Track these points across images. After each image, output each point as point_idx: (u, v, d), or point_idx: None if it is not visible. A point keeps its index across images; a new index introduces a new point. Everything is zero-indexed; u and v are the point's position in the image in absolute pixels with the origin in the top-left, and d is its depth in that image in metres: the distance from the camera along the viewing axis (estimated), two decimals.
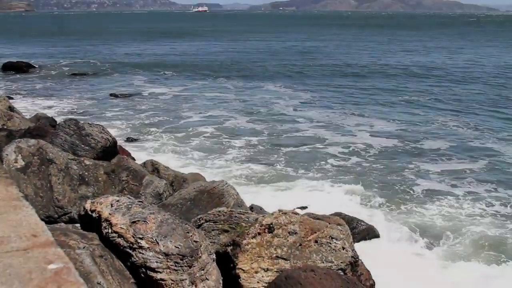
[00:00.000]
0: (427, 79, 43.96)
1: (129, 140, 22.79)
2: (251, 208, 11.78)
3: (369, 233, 12.58)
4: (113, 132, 18.40)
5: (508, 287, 11.40)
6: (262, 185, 17.79)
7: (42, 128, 13.18)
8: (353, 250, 7.91)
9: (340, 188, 17.55)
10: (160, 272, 6.28)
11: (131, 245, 6.34)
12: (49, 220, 9.10)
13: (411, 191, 17.46)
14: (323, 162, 20.61)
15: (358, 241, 11.98)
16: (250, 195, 15.33)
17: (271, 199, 15.67)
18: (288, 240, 7.45)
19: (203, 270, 6.43)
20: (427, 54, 66.68)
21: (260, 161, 20.62)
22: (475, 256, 12.83)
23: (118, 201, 6.79)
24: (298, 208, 13.87)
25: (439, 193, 17.33)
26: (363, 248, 11.79)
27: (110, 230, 6.45)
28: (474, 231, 14.19)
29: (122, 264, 6.36)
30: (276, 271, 7.18)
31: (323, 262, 7.36)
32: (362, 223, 12.94)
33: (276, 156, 21.42)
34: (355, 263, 8.01)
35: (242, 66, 52.93)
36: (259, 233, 7.46)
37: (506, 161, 21.10)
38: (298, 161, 20.66)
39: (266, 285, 6.92)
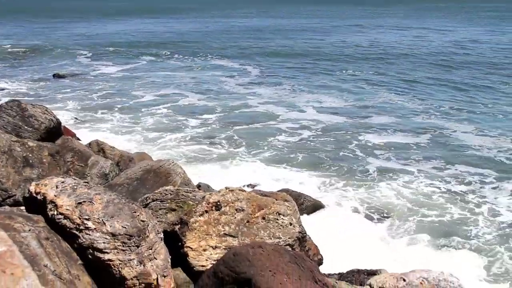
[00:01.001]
0: (373, 56, 44.56)
1: (77, 121, 22.42)
2: (199, 186, 11.78)
3: (316, 208, 12.73)
4: (62, 113, 18.13)
5: (450, 263, 11.69)
6: (212, 163, 17.84)
7: None
8: (300, 225, 8.00)
9: (289, 165, 17.72)
10: (108, 253, 6.24)
11: (77, 226, 6.27)
12: None
13: (360, 167, 17.77)
14: (273, 139, 20.78)
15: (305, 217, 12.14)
16: (199, 174, 15.35)
17: (220, 177, 15.72)
18: (235, 217, 7.49)
19: (151, 249, 6.42)
20: (374, 30, 67.32)
21: (211, 139, 20.67)
22: (420, 230, 13.15)
23: (63, 182, 6.70)
24: (247, 185, 13.95)
25: (387, 168, 17.70)
26: (311, 223, 11.98)
27: (55, 212, 6.37)
28: (420, 206, 14.55)
29: (69, 246, 6.29)
30: (224, 249, 7.21)
31: (271, 238, 7.42)
32: (309, 199, 13.09)
33: (227, 134, 21.50)
34: (302, 238, 8.10)
35: (193, 44, 52.55)
36: (206, 211, 7.48)
37: (450, 135, 21.66)
38: (249, 139, 20.77)
39: (214, 262, 6.95)
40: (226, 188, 7.87)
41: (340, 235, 12.23)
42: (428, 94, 29.78)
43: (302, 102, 27.79)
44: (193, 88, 31.03)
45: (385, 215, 13.93)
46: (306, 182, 16.00)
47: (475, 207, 14.72)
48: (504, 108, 26.64)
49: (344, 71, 37.29)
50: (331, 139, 20.93)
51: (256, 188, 13.26)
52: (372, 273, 8.88)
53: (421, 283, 4.77)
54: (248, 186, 14.16)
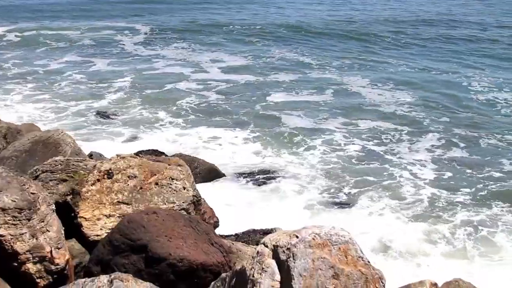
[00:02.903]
0: (264, 13, 45.25)
1: None
2: (91, 155, 11.56)
3: (211, 173, 12.78)
4: None
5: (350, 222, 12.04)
6: (111, 130, 17.28)
7: None
8: (194, 189, 8.07)
9: (201, 127, 17.53)
10: None
11: None
12: None
13: (261, 125, 17.87)
14: (183, 102, 20.48)
15: (201, 181, 12.15)
16: (94, 144, 15.00)
17: (118, 145, 15.36)
18: (128, 185, 7.46)
19: (43, 222, 6.29)
20: None
21: (112, 105, 20.04)
22: (311, 191, 13.37)
23: None
24: (155, 152, 13.67)
25: (288, 126, 17.99)
26: (206, 187, 12.07)
27: None
28: (328, 165, 14.87)
29: None
30: (118, 217, 7.18)
31: (165, 204, 7.46)
32: (203, 163, 13.04)
33: (138, 100, 20.92)
34: (197, 202, 8.19)
35: (85, 6, 50.75)
36: (98, 180, 7.40)
37: (348, 90, 22.74)
38: (160, 103, 20.37)
39: (109, 231, 6.91)
40: (117, 155, 7.81)
41: (236, 198, 12.31)
42: (321, 49, 30.87)
43: (205, 61, 27.97)
44: (96, 54, 30.00)
45: (282, 178, 13.99)
46: (204, 145, 15.92)
47: (387, 163, 15.29)
48: (395, 61, 28.34)
49: (239, 30, 37.57)
50: (241, 100, 20.96)
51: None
52: (267, 232, 9.08)
53: (313, 238, 4.94)
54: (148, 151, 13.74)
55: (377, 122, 18.64)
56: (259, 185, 13.34)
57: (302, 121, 18.59)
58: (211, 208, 9.40)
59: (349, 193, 13.32)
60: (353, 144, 16.56)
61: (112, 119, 18.44)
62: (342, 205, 12.67)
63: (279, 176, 13.87)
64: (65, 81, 23.82)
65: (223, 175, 13.34)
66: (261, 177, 13.78)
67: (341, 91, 22.56)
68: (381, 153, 15.98)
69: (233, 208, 11.54)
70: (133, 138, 16.69)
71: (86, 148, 12.81)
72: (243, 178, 13.72)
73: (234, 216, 10.90)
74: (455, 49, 31.57)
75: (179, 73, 25.58)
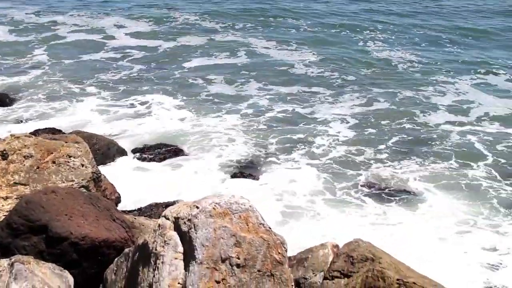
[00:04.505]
0: None
1: None
2: None
3: (110, 148, 12.49)
4: None
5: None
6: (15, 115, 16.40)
7: None
8: (93, 166, 7.98)
9: (111, 99, 17.10)
10: None
11: None
12: None
13: (185, 93, 17.78)
14: (95, 74, 19.75)
15: (100, 157, 11.88)
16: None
17: (23, 127, 14.57)
18: (24, 165, 7.28)
19: None
20: None
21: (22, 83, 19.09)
22: (229, 157, 13.29)
23: None
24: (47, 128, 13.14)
25: (209, 91, 18.07)
26: (106, 163, 11.89)
27: None
28: (238, 129, 14.92)
29: None
30: (16, 198, 7.02)
31: (63, 182, 7.34)
32: (102, 139, 12.65)
33: (44, 75, 19.72)
34: (97, 178, 8.11)
35: None
36: None
37: (258, 52, 23.22)
38: (72, 75, 19.53)
39: (7, 214, 6.74)
40: (12, 135, 7.58)
41: (139, 173, 12.08)
42: (221, 12, 31.45)
43: (109, 27, 27.53)
44: None
45: (206, 145, 13.77)
46: (105, 120, 15.49)
47: (306, 124, 15.57)
48: (296, 21, 29.17)
49: None
50: (159, 69, 20.74)
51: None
52: (170, 205, 9.10)
53: (213, 208, 5.01)
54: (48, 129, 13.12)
55: (292, 84, 19.09)
56: (165, 158, 12.87)
57: (223, 87, 18.72)
58: (112, 184, 9.32)
59: (267, 155, 13.46)
60: (273, 107, 16.82)
61: (18, 100, 17.42)
62: (257, 168, 12.66)
63: (192, 146, 13.65)
64: None
65: (123, 150, 12.99)
66: (173, 148, 13.46)
67: (252, 53, 22.99)
68: (301, 114, 16.35)
69: (135, 183, 11.36)
70: (44, 116, 15.67)
71: None
72: (148, 151, 13.22)
73: (137, 191, 10.77)
74: (352, 9, 33.08)
75: (90, 40, 25.04)
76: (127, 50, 23.32)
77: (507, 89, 19.00)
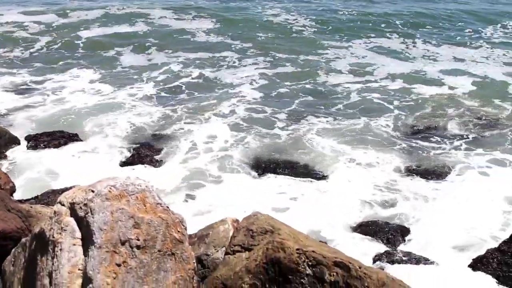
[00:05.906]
0: None
1: None
2: None
3: (1, 137, 11.96)
4: None
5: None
6: None
7: None
8: None
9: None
10: None
11: None
12: None
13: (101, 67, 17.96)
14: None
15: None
16: None
17: None
18: None
19: None
20: None
21: None
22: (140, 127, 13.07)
23: None
24: None
25: (121, 63, 18.23)
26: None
27: None
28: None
29: None
30: None
31: None
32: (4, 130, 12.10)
33: None
34: None
35: None
36: None
37: (156, 22, 23.76)
38: None
39: None
40: None
41: (35, 160, 11.62)
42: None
43: None
44: None
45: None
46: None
47: (216, 87, 16.27)
48: None
49: None
50: (58, 43, 20.62)
51: None
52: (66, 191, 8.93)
53: (109, 191, 4.97)
54: None
55: (198, 51, 19.86)
56: (60, 144, 12.25)
57: (133, 57, 19.03)
58: (5, 174, 9.09)
59: (179, 119, 13.92)
60: (185, 73, 17.48)
61: None
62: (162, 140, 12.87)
63: (92, 128, 13.47)
64: None
65: (15, 138, 12.40)
66: (68, 133, 12.85)
67: (150, 23, 23.60)
68: (210, 78, 17.12)
69: (31, 171, 11.02)
70: None
71: None
72: (41, 138, 12.48)
73: (33, 179, 10.52)
74: None
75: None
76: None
77: (400, 51, 20.69)
